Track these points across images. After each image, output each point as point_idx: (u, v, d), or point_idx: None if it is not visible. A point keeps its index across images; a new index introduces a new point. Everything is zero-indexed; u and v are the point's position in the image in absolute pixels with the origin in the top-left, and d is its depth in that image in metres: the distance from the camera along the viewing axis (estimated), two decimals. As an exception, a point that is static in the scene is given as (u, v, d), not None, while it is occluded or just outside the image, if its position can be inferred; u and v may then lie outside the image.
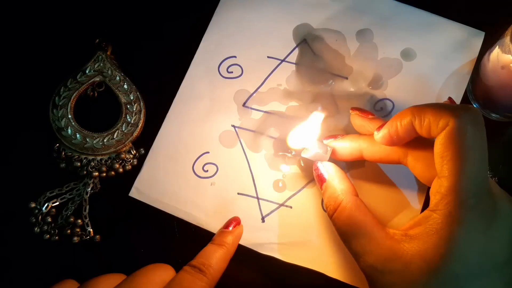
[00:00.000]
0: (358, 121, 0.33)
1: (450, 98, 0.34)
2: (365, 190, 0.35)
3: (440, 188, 0.26)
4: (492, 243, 0.26)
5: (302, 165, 0.36)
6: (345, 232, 0.29)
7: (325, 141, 0.34)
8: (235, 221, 0.35)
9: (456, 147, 0.25)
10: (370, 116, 0.32)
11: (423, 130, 0.27)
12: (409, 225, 0.28)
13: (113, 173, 0.37)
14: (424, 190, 0.35)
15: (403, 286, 0.26)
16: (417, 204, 0.35)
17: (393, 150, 0.31)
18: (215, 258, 0.32)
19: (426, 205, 0.35)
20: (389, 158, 0.31)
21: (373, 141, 0.31)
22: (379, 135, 0.30)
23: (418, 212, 0.35)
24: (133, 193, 0.37)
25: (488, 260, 0.26)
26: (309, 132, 0.33)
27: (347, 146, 0.32)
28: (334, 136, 0.33)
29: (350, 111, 0.34)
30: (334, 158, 0.33)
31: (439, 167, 0.26)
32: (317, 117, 0.33)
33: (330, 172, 0.32)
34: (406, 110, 0.28)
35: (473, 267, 0.25)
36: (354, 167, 0.36)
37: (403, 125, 0.28)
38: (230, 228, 0.35)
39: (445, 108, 0.26)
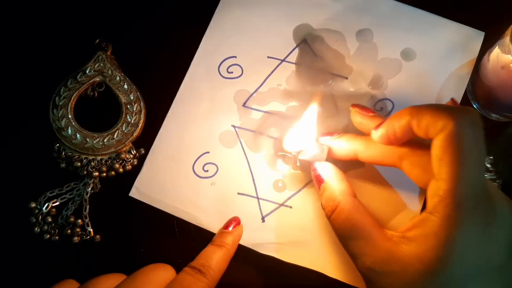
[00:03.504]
0: (358, 118, 0.32)
1: (452, 99, 0.33)
2: (362, 192, 0.35)
3: (438, 190, 0.26)
4: (490, 245, 0.26)
5: (298, 165, 0.36)
6: (343, 234, 0.29)
7: (322, 139, 0.33)
8: (235, 221, 0.35)
9: (455, 150, 0.25)
10: (370, 114, 0.32)
11: (421, 131, 0.27)
12: (407, 227, 0.28)
13: (113, 173, 0.37)
14: (423, 192, 0.35)
15: None
16: (414, 206, 0.35)
17: (389, 153, 0.30)
18: (215, 259, 0.32)
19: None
20: (384, 161, 0.31)
21: (368, 143, 0.31)
22: (376, 134, 0.30)
23: (415, 214, 0.35)
24: (133, 193, 0.37)
25: (486, 262, 0.25)
26: (304, 133, 0.33)
27: (342, 147, 0.32)
28: (330, 134, 0.33)
29: (351, 108, 0.33)
30: (331, 157, 0.33)
31: (437, 170, 0.26)
32: (312, 112, 0.33)
33: (328, 173, 0.32)
34: (404, 110, 0.28)
35: (470, 270, 0.25)
36: (351, 168, 0.36)
37: (400, 125, 0.28)
38: (230, 229, 0.35)
39: (444, 109, 0.26)
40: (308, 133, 0.33)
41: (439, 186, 0.26)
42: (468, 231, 0.25)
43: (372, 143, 0.31)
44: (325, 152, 0.33)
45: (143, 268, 0.31)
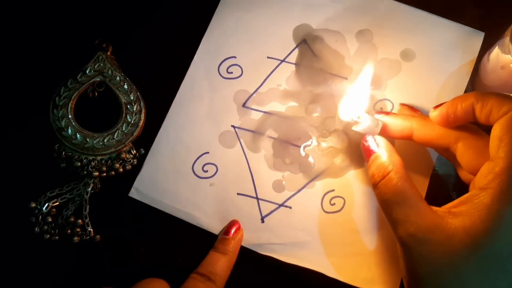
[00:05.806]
0: (407, 113, 0.34)
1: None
2: None
3: (494, 168, 0.26)
4: None
5: (328, 145, 0.36)
6: (389, 199, 0.30)
7: (377, 116, 0.34)
8: (235, 226, 0.35)
9: None
10: (418, 112, 0.34)
11: (483, 114, 0.28)
12: (452, 204, 0.28)
13: (113, 173, 0.37)
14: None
15: (441, 258, 0.26)
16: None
17: (445, 134, 0.31)
18: (220, 266, 0.33)
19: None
20: (439, 141, 0.31)
21: (425, 123, 0.32)
22: (435, 112, 0.31)
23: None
24: (133, 193, 0.37)
25: None
26: (358, 105, 0.33)
27: (398, 123, 0.33)
28: (386, 112, 0.34)
29: (400, 105, 0.35)
30: (383, 135, 0.33)
31: (495, 149, 0.27)
32: (368, 71, 0.34)
33: (381, 145, 0.32)
34: (469, 93, 0.29)
35: None
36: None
37: (463, 106, 0.29)
38: (232, 233, 0.35)
39: (509, 96, 0.28)
40: (362, 102, 0.33)
41: (495, 164, 0.26)
42: None
43: (429, 123, 0.31)
44: (379, 127, 0.33)
45: (137, 283, 0.31)
